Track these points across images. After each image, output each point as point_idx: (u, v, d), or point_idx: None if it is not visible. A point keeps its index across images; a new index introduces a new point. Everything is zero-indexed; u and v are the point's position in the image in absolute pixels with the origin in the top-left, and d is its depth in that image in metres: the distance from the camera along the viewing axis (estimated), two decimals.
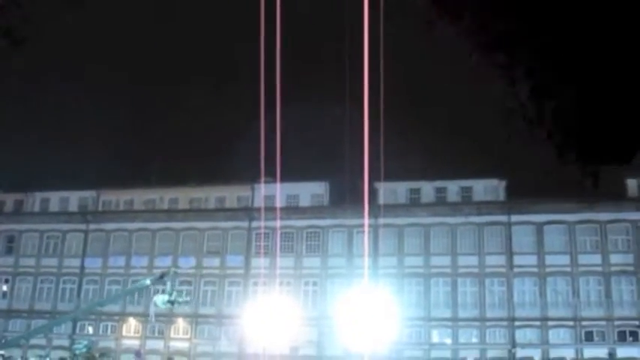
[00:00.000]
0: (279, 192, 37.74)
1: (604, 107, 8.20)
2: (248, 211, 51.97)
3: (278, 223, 43.58)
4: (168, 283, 27.54)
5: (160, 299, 27.14)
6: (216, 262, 52.90)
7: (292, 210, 50.99)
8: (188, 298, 33.87)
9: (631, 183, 49.04)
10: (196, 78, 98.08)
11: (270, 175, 30.57)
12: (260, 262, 48.08)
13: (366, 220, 42.19)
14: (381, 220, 46.13)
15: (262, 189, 40.53)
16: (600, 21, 7.55)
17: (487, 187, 51.37)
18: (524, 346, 46.53)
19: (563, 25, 7.57)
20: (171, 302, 26.95)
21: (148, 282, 29.60)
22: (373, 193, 49.11)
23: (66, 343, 49.52)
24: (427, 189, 52.18)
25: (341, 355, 45.39)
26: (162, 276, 28.35)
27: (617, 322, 46.65)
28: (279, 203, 40.91)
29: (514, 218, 49.14)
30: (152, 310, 29.71)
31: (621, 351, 44.66)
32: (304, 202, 53.35)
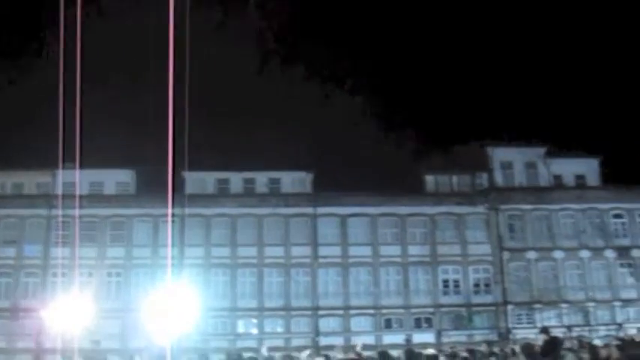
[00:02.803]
0: (78, 178, 36.22)
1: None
2: (47, 199, 49.25)
3: (77, 212, 41.83)
4: None
5: None
6: (11, 251, 49.68)
7: (96, 198, 49.12)
8: None
9: (429, 179, 52.13)
10: None
11: (73, 162, 29.25)
12: (60, 252, 45.88)
13: (170, 210, 41.47)
14: (188, 210, 45.59)
15: (61, 175, 38.72)
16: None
17: (295, 180, 52.22)
18: (327, 334, 47.78)
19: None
20: None
21: None
22: (181, 183, 48.45)
23: None
24: (235, 180, 52.17)
25: (145, 348, 44.35)
26: None
27: (413, 310, 49.30)
28: (78, 190, 39.29)
29: (320, 210, 50.34)
30: None
31: (417, 337, 46.87)
32: (109, 190, 51.53)
